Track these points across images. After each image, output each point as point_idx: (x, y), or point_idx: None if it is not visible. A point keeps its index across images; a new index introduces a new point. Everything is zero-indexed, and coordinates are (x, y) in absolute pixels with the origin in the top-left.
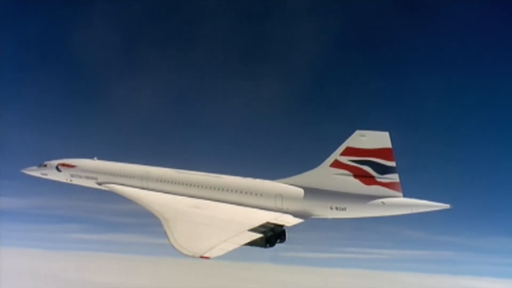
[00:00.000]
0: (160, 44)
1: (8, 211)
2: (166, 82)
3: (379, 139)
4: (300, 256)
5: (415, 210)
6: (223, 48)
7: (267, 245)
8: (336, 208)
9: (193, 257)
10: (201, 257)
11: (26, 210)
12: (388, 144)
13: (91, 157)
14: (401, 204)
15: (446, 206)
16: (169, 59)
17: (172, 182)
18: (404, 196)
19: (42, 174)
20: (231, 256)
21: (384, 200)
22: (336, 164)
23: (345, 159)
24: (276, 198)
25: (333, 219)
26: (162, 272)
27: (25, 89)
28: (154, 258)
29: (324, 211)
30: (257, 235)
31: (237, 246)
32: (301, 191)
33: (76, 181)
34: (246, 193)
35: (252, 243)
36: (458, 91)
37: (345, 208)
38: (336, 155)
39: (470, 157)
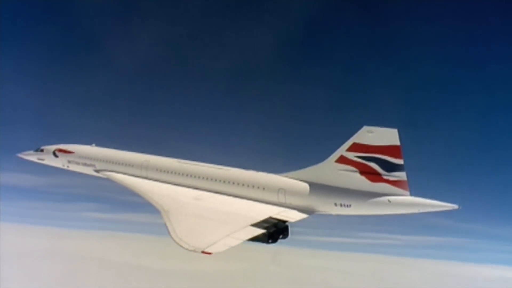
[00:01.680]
0: None
1: (24, 189)
2: (161, 33)
3: (387, 136)
4: (316, 240)
5: (422, 210)
6: None
7: (270, 241)
8: (341, 205)
9: (194, 252)
10: (203, 252)
11: (42, 188)
12: (397, 141)
13: (89, 143)
14: (407, 203)
15: (454, 206)
16: (163, 9)
17: (172, 172)
18: (411, 195)
19: (39, 159)
20: None
21: (390, 198)
22: (342, 159)
23: (351, 155)
24: (279, 192)
25: (337, 215)
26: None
27: (22, 42)
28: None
29: (328, 207)
30: (260, 231)
31: (240, 242)
32: (305, 186)
33: (73, 167)
34: (248, 186)
35: (254, 239)
36: (469, 88)
37: (349, 205)
38: (342, 150)
39: (480, 156)
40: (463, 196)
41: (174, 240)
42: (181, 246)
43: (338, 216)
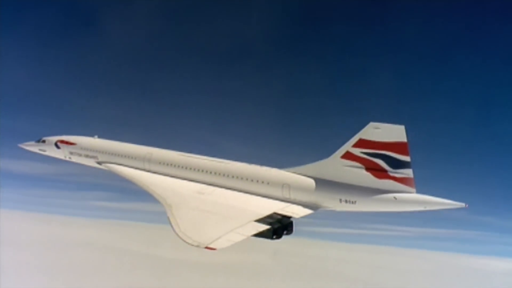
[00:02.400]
0: None
1: (35, 177)
2: (156, 11)
3: (394, 132)
4: (329, 231)
5: (428, 208)
6: None
7: (274, 237)
8: (346, 201)
9: (198, 247)
10: (207, 248)
11: (52, 177)
12: (403, 138)
13: (91, 134)
14: (414, 200)
15: (461, 205)
16: None
17: (175, 165)
18: (417, 192)
19: (40, 150)
20: None
21: (396, 195)
22: (348, 155)
23: (357, 151)
24: (283, 187)
25: (341, 211)
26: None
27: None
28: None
29: (333, 203)
30: (264, 227)
31: (244, 237)
32: (310, 181)
33: (75, 159)
34: (252, 180)
35: (258, 235)
36: (475, 83)
37: (355, 202)
38: (348, 146)
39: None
40: (473, 189)
41: (178, 235)
42: (185, 241)
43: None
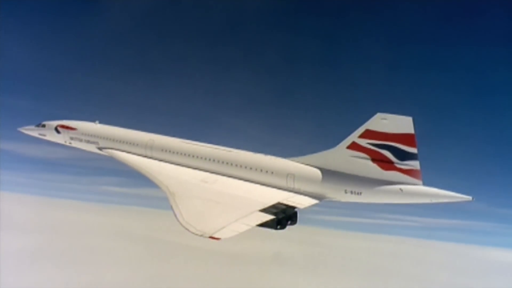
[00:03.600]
0: None
1: (49, 161)
2: None
3: (402, 123)
4: (344, 220)
5: (434, 200)
6: None
7: (278, 227)
8: (351, 192)
9: (202, 237)
10: (211, 237)
11: (66, 161)
12: (411, 130)
13: (93, 120)
14: (420, 192)
15: (467, 198)
16: None
17: (178, 153)
18: (424, 184)
19: (40, 134)
20: None
21: (402, 187)
22: (354, 146)
23: (363, 142)
24: (288, 177)
25: (346, 203)
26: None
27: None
28: None
29: (338, 194)
30: (269, 217)
31: (248, 227)
32: (315, 171)
33: (75, 144)
34: (256, 169)
35: (263, 225)
36: (485, 74)
37: (360, 193)
38: (354, 137)
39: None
40: (484, 179)
41: (181, 224)
42: (188, 230)
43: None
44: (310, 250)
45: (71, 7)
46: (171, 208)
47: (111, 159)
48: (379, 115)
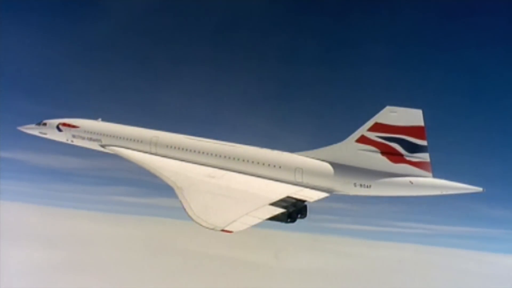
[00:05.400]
0: None
1: (61, 171)
2: None
3: (411, 116)
4: (357, 228)
5: (444, 192)
6: None
7: (288, 221)
8: (361, 185)
9: (213, 230)
10: (223, 230)
11: (80, 171)
12: (421, 122)
13: (95, 117)
14: (430, 184)
15: (478, 189)
16: None
17: (183, 149)
18: (434, 177)
19: (41, 132)
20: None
21: (412, 179)
22: (363, 139)
23: (372, 135)
24: (296, 171)
25: (355, 195)
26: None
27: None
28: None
29: (347, 187)
30: (279, 210)
31: (260, 220)
32: (324, 165)
33: (77, 142)
34: (263, 164)
35: (273, 218)
36: (492, 68)
37: (369, 186)
38: (363, 130)
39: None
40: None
41: (191, 218)
42: (199, 224)
43: (377, 204)
44: (343, 262)
45: (71, 7)
46: (180, 202)
47: (119, 168)
48: (388, 108)
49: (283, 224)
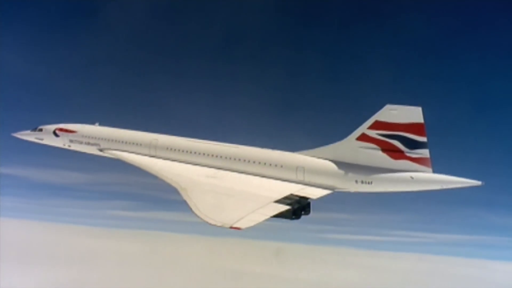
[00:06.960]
0: None
1: (60, 186)
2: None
3: (411, 113)
4: (357, 238)
5: (445, 186)
6: None
7: (293, 217)
8: (362, 182)
9: (222, 227)
10: (231, 227)
11: (78, 186)
12: (420, 119)
13: (92, 122)
14: (430, 179)
15: (477, 183)
16: None
17: (183, 151)
18: (434, 172)
19: (37, 138)
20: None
21: (413, 174)
22: (363, 137)
23: (373, 133)
24: (298, 170)
25: (356, 192)
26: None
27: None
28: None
29: (349, 184)
30: (284, 207)
31: (266, 217)
32: (325, 163)
33: (75, 146)
34: (265, 163)
35: (279, 215)
36: (492, 64)
37: (371, 182)
38: (363, 128)
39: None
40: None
41: (199, 217)
42: (207, 222)
43: (377, 214)
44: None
45: (70, 11)
46: (186, 202)
47: (118, 182)
48: (388, 106)
49: (284, 229)
